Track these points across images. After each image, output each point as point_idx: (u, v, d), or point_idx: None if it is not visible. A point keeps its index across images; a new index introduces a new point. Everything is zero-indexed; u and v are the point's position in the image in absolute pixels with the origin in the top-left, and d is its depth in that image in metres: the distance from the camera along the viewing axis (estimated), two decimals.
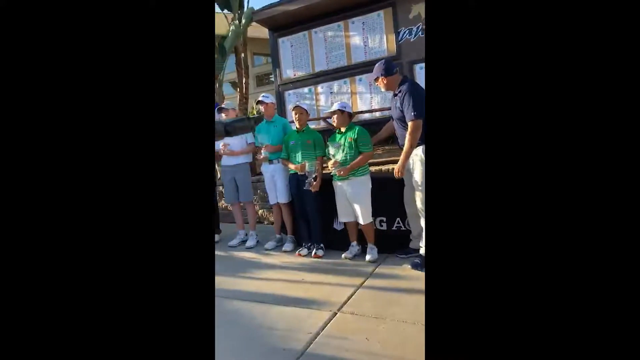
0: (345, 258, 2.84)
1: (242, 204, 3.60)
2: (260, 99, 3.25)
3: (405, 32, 3.74)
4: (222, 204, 4.25)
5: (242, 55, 5.68)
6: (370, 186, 2.76)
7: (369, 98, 4.01)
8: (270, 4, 4.08)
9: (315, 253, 2.97)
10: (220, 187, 4.07)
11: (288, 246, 3.21)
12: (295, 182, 3.03)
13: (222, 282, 2.61)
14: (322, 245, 3.01)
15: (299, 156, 2.99)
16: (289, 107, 3.41)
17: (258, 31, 5.84)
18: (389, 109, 3.85)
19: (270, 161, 3.23)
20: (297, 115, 3.01)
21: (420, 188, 2.45)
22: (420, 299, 1.93)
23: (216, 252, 3.37)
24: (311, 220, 3.03)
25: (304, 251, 3.04)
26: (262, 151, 3.25)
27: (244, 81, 5.71)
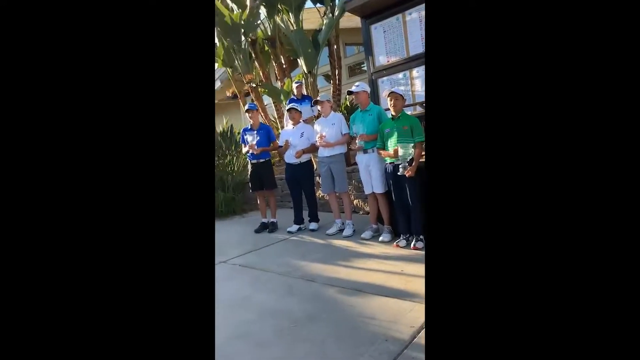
0: None
1: (337, 194, 3.67)
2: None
3: None
4: (319, 193, 4.39)
5: (335, 47, 5.73)
6: None
7: None
8: None
9: (414, 245, 2.86)
10: (317, 178, 4.21)
11: (385, 236, 3.16)
12: (392, 171, 2.95)
13: (322, 269, 2.71)
14: (421, 237, 2.88)
15: (394, 143, 2.90)
16: (383, 94, 3.32)
17: (350, 21, 5.81)
18: None
19: (365, 151, 3.21)
20: (392, 102, 2.91)
21: None
22: None
23: (315, 240, 3.52)
24: (411, 211, 2.92)
25: (403, 242, 2.96)
26: (356, 141, 3.24)
27: (336, 72, 5.77)
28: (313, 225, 3.89)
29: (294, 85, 5.05)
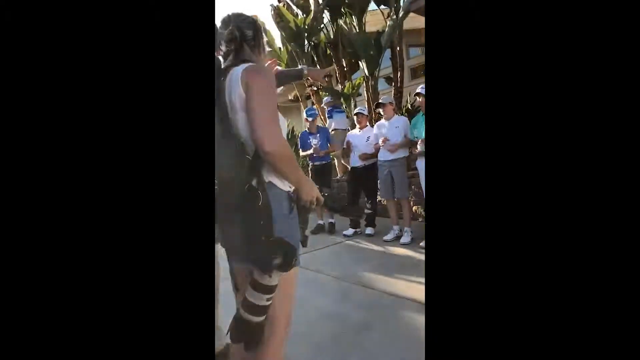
0: None
1: (397, 200, 3.58)
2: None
3: None
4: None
5: (398, 48, 5.60)
6: None
7: None
8: None
9: None
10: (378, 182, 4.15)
11: None
12: None
13: (378, 276, 2.65)
14: None
15: None
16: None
17: (413, 22, 5.65)
18: None
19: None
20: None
21: None
22: None
23: (371, 245, 3.46)
24: None
25: None
26: (417, 145, 3.13)
27: (398, 75, 5.64)
28: (369, 231, 3.83)
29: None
